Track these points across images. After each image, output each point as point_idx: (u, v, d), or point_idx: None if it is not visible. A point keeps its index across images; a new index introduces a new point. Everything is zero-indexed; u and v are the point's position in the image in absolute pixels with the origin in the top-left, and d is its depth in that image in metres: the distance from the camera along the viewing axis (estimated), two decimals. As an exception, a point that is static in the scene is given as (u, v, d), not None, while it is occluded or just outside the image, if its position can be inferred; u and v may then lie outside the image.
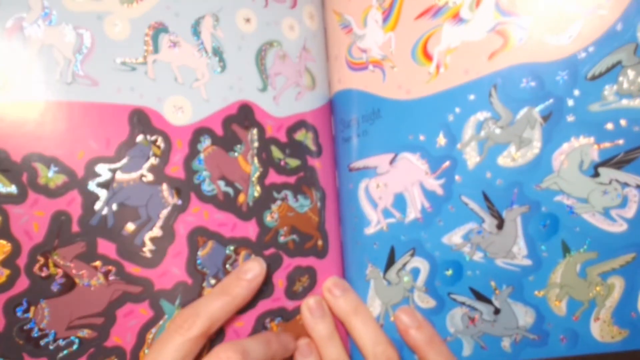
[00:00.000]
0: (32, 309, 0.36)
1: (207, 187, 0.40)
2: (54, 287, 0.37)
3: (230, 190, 0.41)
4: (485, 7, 0.39)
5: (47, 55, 0.36)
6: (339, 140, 0.47)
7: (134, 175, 0.38)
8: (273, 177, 0.43)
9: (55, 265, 0.37)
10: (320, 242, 0.45)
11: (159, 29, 0.40)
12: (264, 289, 0.42)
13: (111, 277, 0.38)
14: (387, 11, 0.43)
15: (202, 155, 0.40)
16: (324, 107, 0.47)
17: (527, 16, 0.38)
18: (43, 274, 0.36)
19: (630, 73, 0.36)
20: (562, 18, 0.37)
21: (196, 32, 0.41)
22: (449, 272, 0.41)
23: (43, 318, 0.37)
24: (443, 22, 0.40)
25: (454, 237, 0.41)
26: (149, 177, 0.39)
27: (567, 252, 0.39)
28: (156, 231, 0.39)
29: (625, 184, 0.37)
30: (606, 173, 0.37)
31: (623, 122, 0.36)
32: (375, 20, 0.44)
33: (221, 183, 0.41)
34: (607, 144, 0.37)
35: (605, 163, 0.37)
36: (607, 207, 0.37)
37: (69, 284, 0.37)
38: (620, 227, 0.37)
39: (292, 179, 0.44)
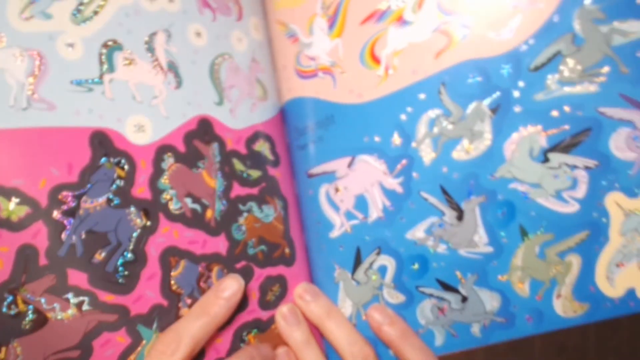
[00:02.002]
0: (4, 349, 0.34)
1: (174, 206, 0.39)
2: (25, 325, 0.34)
3: (197, 206, 0.40)
4: (427, 8, 0.39)
5: (-1, 81, 0.34)
6: (294, 148, 0.46)
7: (100, 200, 0.36)
8: (237, 190, 0.42)
9: (25, 302, 0.34)
10: (287, 250, 0.44)
11: (114, 47, 0.38)
12: (240, 303, 0.41)
13: (85, 308, 0.36)
14: (332, 18, 0.42)
15: (167, 174, 0.39)
16: (277, 117, 0.47)
17: (468, 14, 0.38)
18: (12, 313, 0.34)
19: (570, 61, 0.37)
20: (501, 13, 0.37)
21: (150, 49, 0.39)
22: (416, 267, 0.41)
23: (16, 358, 0.34)
24: (388, 26, 0.40)
25: (417, 232, 0.41)
26: (116, 200, 0.37)
27: (525, 235, 0.39)
28: (128, 256, 0.37)
29: (573, 166, 0.38)
30: (555, 158, 0.38)
31: (567, 109, 0.37)
32: (320, 28, 0.43)
33: (188, 200, 0.39)
34: (554, 130, 0.37)
35: (553, 148, 0.38)
36: (558, 190, 0.38)
37: (41, 320, 0.35)
38: (572, 208, 0.38)
39: (255, 190, 0.43)
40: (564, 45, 0.37)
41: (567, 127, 0.37)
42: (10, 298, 0.34)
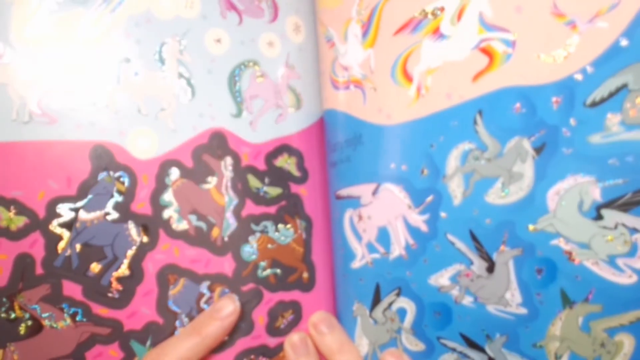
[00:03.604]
0: (1, 352, 0.35)
1: (176, 223, 0.37)
2: (21, 330, 0.35)
3: (202, 224, 0.37)
4: (467, 20, 0.32)
5: (1, 95, 0.34)
6: (329, 164, 0.42)
7: (98, 213, 0.35)
8: (250, 208, 0.39)
9: (21, 308, 0.35)
10: (305, 275, 0.40)
11: (120, 59, 0.36)
12: (242, 326, 0.38)
13: (78, 319, 0.35)
14: (366, 25, 0.37)
15: (170, 189, 0.36)
16: (312, 127, 0.42)
17: (515, 31, 0.31)
18: (9, 317, 0.35)
19: (638, 99, 0.28)
20: (555, 33, 0.29)
21: (161, 59, 0.37)
22: (437, 315, 0.36)
23: None
24: (423, 38, 0.34)
25: (441, 279, 0.35)
26: (114, 215, 0.36)
27: (567, 302, 0.32)
28: (123, 270, 0.36)
29: (634, 230, 0.29)
30: (611, 216, 0.30)
31: (630, 157, 0.29)
32: (355, 35, 0.38)
33: (192, 217, 0.37)
34: (610, 182, 0.29)
35: (609, 204, 0.30)
36: (612, 255, 0.30)
37: (36, 327, 0.35)
38: (629, 279, 0.30)
39: (272, 209, 0.39)
40: (633, 77, 0.28)
41: (627, 179, 0.29)
42: (7, 304, 0.35)
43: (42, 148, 0.34)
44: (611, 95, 0.29)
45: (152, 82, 0.36)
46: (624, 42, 0.28)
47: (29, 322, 0.35)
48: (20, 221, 0.34)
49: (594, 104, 0.29)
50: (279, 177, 0.40)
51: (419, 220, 0.35)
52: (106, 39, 0.36)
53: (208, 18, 0.38)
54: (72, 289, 0.35)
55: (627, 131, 0.29)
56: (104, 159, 0.35)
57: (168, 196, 0.36)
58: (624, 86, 0.28)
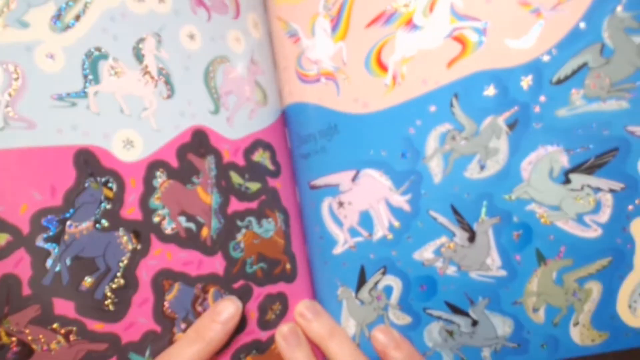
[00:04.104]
0: None
1: (167, 226, 0.36)
2: (10, 358, 0.32)
3: (192, 225, 0.37)
4: (440, 11, 0.35)
5: (-28, 100, 0.31)
6: (296, 157, 0.43)
7: (87, 223, 0.33)
8: (235, 205, 0.38)
9: (8, 334, 0.32)
10: (288, 266, 0.41)
11: (98, 56, 0.34)
12: (238, 324, 0.38)
13: (72, 338, 0.33)
14: (335, 19, 0.38)
15: (159, 192, 0.35)
16: (277, 122, 0.43)
17: (485, 19, 0.34)
18: None
19: (597, 75, 0.32)
20: (522, 19, 0.33)
21: (139, 56, 0.35)
22: (423, 288, 0.38)
23: None
24: (396, 30, 0.36)
25: (425, 253, 0.37)
26: (104, 223, 0.34)
27: (542, 260, 0.35)
28: (117, 281, 0.34)
29: (597, 189, 0.33)
30: (577, 179, 0.34)
31: (592, 127, 0.33)
32: (323, 29, 0.39)
33: (182, 219, 0.36)
34: (577, 150, 0.33)
35: (575, 169, 0.34)
36: (580, 213, 0.34)
37: (26, 352, 0.32)
38: (594, 233, 0.34)
39: (254, 204, 0.39)
40: (591, 56, 0.32)
41: (591, 146, 0.33)
42: None
43: (21, 156, 0.31)
44: (574, 73, 0.33)
45: (132, 80, 0.35)
46: (582, 26, 0.32)
47: (17, 348, 0.32)
48: (2, 239, 0.31)
49: (560, 82, 0.33)
50: (257, 172, 0.40)
51: (401, 200, 0.37)
52: (82, 35, 0.34)
53: (180, 14, 0.37)
54: (64, 307, 0.32)
55: (589, 104, 0.33)
56: (89, 164, 0.33)
57: (157, 199, 0.35)
58: (585, 64, 0.32)
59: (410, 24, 0.35)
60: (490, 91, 0.34)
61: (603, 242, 0.34)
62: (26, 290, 0.31)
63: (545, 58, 0.33)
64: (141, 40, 0.36)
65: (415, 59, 0.36)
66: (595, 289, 0.35)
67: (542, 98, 0.33)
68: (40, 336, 0.32)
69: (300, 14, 0.40)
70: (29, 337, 0.32)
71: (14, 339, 0.32)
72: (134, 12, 0.35)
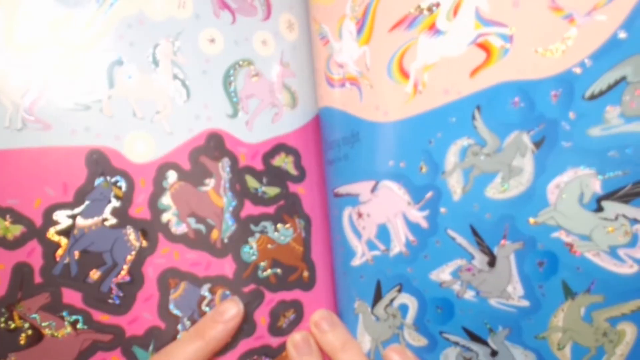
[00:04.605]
0: None
1: (175, 226, 0.36)
2: (21, 340, 0.34)
3: (201, 227, 0.36)
4: (464, 15, 0.32)
5: (-7, 102, 0.33)
6: (325, 162, 0.41)
7: (96, 219, 0.34)
8: (249, 209, 0.38)
9: (21, 318, 0.34)
10: (306, 274, 0.40)
11: (113, 62, 0.35)
12: (244, 327, 0.37)
13: (79, 327, 0.34)
14: (360, 21, 0.36)
15: (168, 193, 0.36)
16: (307, 126, 0.41)
17: (512, 25, 0.30)
18: (9, 327, 0.34)
19: (638, 91, 0.28)
20: (553, 26, 0.29)
21: (155, 61, 0.36)
22: (439, 310, 0.35)
23: None
24: (419, 34, 0.33)
25: (442, 274, 0.35)
26: (112, 220, 0.35)
27: (568, 294, 0.31)
28: (123, 276, 0.35)
29: (634, 220, 0.29)
30: (611, 207, 0.30)
31: (629, 149, 0.28)
32: (349, 32, 0.37)
33: (191, 220, 0.36)
34: (610, 174, 0.29)
35: (609, 196, 0.29)
36: (613, 246, 0.30)
37: (37, 336, 0.34)
38: (630, 269, 0.30)
39: (271, 209, 0.39)
40: (631, 69, 0.28)
41: (627, 171, 0.29)
42: (6, 314, 0.34)
43: (37, 155, 0.33)
44: (610, 88, 0.28)
45: (146, 85, 0.35)
46: (622, 35, 0.28)
47: (29, 332, 0.34)
48: (17, 230, 0.33)
49: (593, 97, 0.29)
50: (277, 176, 0.39)
51: (418, 216, 0.35)
52: (99, 42, 0.35)
53: (201, 18, 0.37)
54: (72, 297, 0.34)
55: (626, 123, 0.28)
56: (100, 164, 0.34)
57: (166, 200, 0.35)
58: (623, 79, 0.28)
59: (433, 28, 0.33)
60: (515, 104, 0.31)
61: (639, 279, 0.30)
62: (38, 278, 0.34)
63: (577, 70, 0.29)
64: (157, 45, 0.36)
65: (437, 66, 0.33)
66: (629, 331, 0.31)
67: (572, 115, 0.29)
68: (50, 322, 0.34)
69: (330, 16, 0.38)
70: (40, 322, 0.34)
71: (26, 323, 0.34)
72: (151, 19, 0.36)
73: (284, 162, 0.39)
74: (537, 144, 0.31)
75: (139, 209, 0.35)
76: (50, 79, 0.34)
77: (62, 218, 0.34)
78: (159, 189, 0.35)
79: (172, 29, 0.36)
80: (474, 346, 0.35)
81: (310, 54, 0.42)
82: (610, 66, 0.28)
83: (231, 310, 0.36)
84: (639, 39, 0.28)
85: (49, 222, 0.34)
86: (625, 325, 0.31)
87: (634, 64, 0.28)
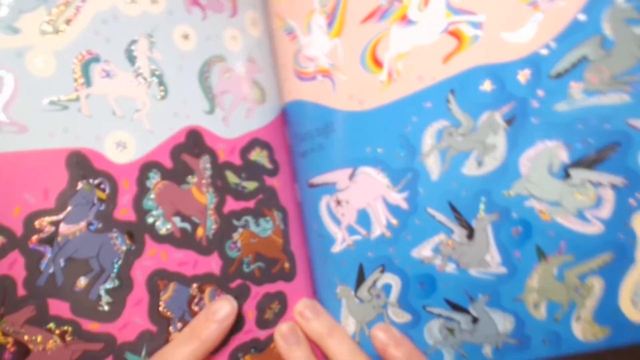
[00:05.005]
0: None
1: (161, 226, 0.35)
2: (7, 358, 0.32)
3: (187, 225, 0.36)
4: (434, 5, 0.34)
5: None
6: (296, 155, 0.42)
7: (80, 225, 0.33)
8: (231, 204, 0.38)
9: (5, 334, 0.31)
10: (287, 265, 0.40)
11: (89, 59, 0.34)
12: (235, 324, 0.37)
13: (68, 338, 0.33)
14: (330, 15, 0.37)
15: (153, 193, 0.35)
16: (276, 120, 0.42)
17: (481, 13, 0.32)
18: None
19: (597, 68, 0.31)
20: (518, 12, 0.32)
21: (131, 57, 0.35)
22: (422, 286, 0.37)
23: None
24: (391, 25, 0.35)
25: (424, 251, 0.36)
26: (97, 224, 0.33)
27: (542, 256, 0.34)
28: (112, 282, 0.34)
29: (598, 184, 0.32)
30: (578, 174, 0.33)
31: (592, 121, 0.31)
32: (319, 26, 0.38)
33: (176, 219, 0.36)
34: (576, 145, 0.32)
35: (575, 164, 0.32)
36: (580, 209, 0.33)
37: (23, 352, 0.32)
38: (595, 228, 0.33)
39: (251, 203, 0.39)
40: (591, 49, 0.31)
41: (591, 140, 0.32)
42: None
43: (13, 160, 0.31)
44: (573, 66, 0.31)
45: (124, 82, 0.34)
46: (582, 18, 0.31)
47: (13, 349, 0.32)
48: None
49: (558, 76, 0.32)
50: (254, 171, 0.39)
51: (398, 198, 0.36)
52: (73, 38, 0.33)
53: (174, 13, 0.36)
54: (59, 307, 0.32)
55: (589, 98, 0.31)
56: (82, 166, 0.33)
57: (151, 200, 0.35)
58: (584, 57, 0.31)
59: (405, 19, 0.34)
60: (486, 86, 0.33)
61: (604, 237, 0.33)
62: (21, 291, 0.32)
63: (544, 52, 0.32)
64: (133, 42, 0.35)
65: (410, 54, 0.35)
66: (597, 284, 0.34)
67: (541, 92, 0.32)
68: (37, 336, 0.32)
69: (296, 11, 0.39)
70: (25, 337, 0.32)
71: (10, 339, 0.32)
72: (126, 14, 0.35)
73: (259, 156, 0.40)
74: (509, 121, 0.33)
75: (124, 211, 0.34)
76: (24, 78, 0.32)
77: (44, 225, 0.32)
78: (143, 189, 0.34)
79: (146, 24, 0.35)
80: (456, 316, 0.37)
81: (273, 51, 0.42)
82: (572, 47, 0.31)
83: (225, 308, 0.36)
84: (597, 21, 0.31)
85: (31, 230, 0.32)
86: (593, 279, 0.34)
87: (593, 44, 0.31)
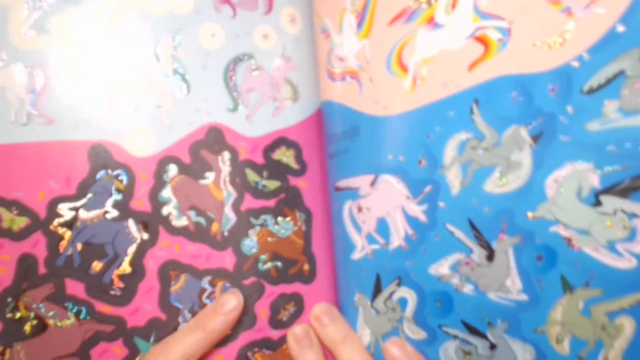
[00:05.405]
0: (8, 351, 0.35)
1: (176, 219, 0.36)
2: (27, 330, 0.35)
3: (202, 220, 0.37)
4: (462, 8, 0.32)
5: (0, 98, 0.34)
6: (327, 156, 0.41)
7: (98, 212, 0.35)
8: (250, 202, 0.38)
9: (26, 308, 0.35)
10: (306, 267, 0.40)
11: (115, 57, 0.36)
12: (244, 320, 0.38)
13: (82, 317, 0.35)
14: (360, 15, 0.36)
15: (169, 186, 0.36)
16: (309, 120, 0.41)
17: (510, 19, 0.30)
18: (15, 317, 0.35)
19: (636, 84, 0.28)
20: (550, 19, 0.29)
21: (155, 56, 0.36)
22: (439, 304, 0.35)
23: None
24: (417, 28, 0.33)
25: (441, 268, 0.35)
26: (114, 213, 0.35)
27: (567, 288, 0.31)
28: (124, 268, 0.36)
29: (632, 215, 0.29)
30: (610, 202, 0.29)
31: (628, 144, 0.28)
32: (349, 26, 0.37)
33: (192, 213, 0.37)
34: (609, 169, 0.29)
35: (607, 191, 0.29)
36: (612, 240, 0.30)
37: (41, 326, 0.35)
38: (628, 263, 0.30)
39: (271, 202, 0.39)
40: (630, 63, 0.28)
41: (626, 165, 0.29)
42: (12, 303, 0.34)
43: (41, 149, 0.34)
44: (608, 81, 0.28)
45: (147, 80, 0.36)
46: (620, 28, 0.28)
47: (34, 322, 0.35)
48: (22, 222, 0.34)
49: (591, 91, 0.29)
50: (277, 170, 0.39)
51: (417, 210, 0.35)
52: (101, 38, 0.35)
53: (202, 12, 0.37)
54: (75, 288, 0.35)
55: (624, 117, 0.28)
56: (102, 158, 0.35)
57: (167, 193, 0.36)
58: (621, 72, 0.28)
59: (431, 22, 0.33)
60: (513, 98, 0.31)
61: (638, 273, 0.30)
62: (42, 269, 0.34)
63: (576, 64, 0.29)
64: (158, 41, 0.36)
65: (435, 60, 0.33)
66: (627, 324, 0.31)
67: (570, 109, 0.29)
68: (54, 312, 0.35)
69: (330, 9, 0.39)
70: (44, 312, 0.35)
71: (32, 313, 0.34)
72: (151, 15, 0.36)
73: (284, 155, 0.40)
74: (535, 138, 0.31)
75: (140, 202, 0.36)
76: (54, 74, 0.34)
77: (65, 210, 0.35)
78: (159, 182, 0.36)
79: (172, 23, 0.36)
80: (473, 339, 0.35)
81: (313, 48, 0.42)
82: (608, 60, 0.28)
83: (231, 302, 0.36)
84: (637, 32, 0.27)
85: (53, 214, 0.34)
86: (623, 319, 0.31)
87: (632, 58, 0.28)
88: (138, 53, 0.36)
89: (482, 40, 0.31)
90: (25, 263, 0.34)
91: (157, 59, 0.36)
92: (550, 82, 0.30)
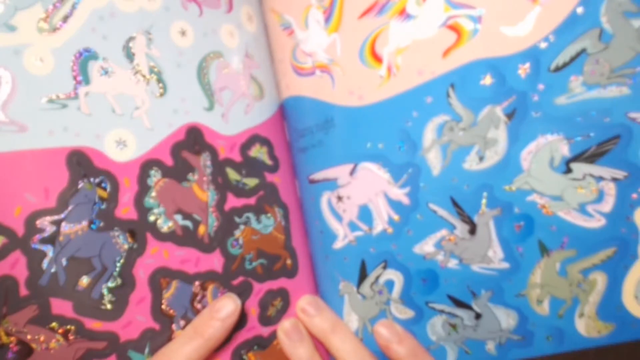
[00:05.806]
0: None
1: (163, 224, 0.36)
2: (9, 357, 0.33)
3: (188, 223, 0.37)
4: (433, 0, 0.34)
5: (-36, 105, 0.31)
6: (295, 151, 0.42)
7: (82, 224, 0.33)
8: (232, 201, 0.38)
9: (7, 334, 0.32)
10: (289, 261, 0.41)
11: (87, 56, 0.34)
12: (238, 321, 0.38)
13: (71, 337, 0.33)
14: (328, 10, 0.38)
15: (153, 191, 0.35)
16: (275, 116, 0.42)
17: (479, 7, 0.33)
18: None
19: (596, 61, 0.31)
20: (517, 6, 0.32)
21: (129, 55, 0.35)
22: (425, 282, 0.38)
23: None
24: (389, 20, 0.35)
25: (426, 246, 0.37)
26: (98, 223, 0.34)
27: (544, 251, 0.35)
28: (114, 280, 0.34)
29: (599, 178, 0.33)
30: (579, 168, 0.33)
31: (592, 114, 0.32)
32: (316, 21, 0.38)
33: (178, 217, 0.36)
34: (577, 138, 0.33)
35: (576, 158, 0.33)
36: (582, 203, 0.33)
37: (26, 351, 0.33)
38: (598, 222, 0.34)
39: (252, 200, 0.39)
40: (590, 42, 0.31)
41: (592, 134, 0.32)
42: None
43: (13, 159, 0.32)
44: (572, 59, 0.32)
45: (123, 80, 0.35)
46: (580, 11, 0.31)
47: (16, 348, 0.33)
48: None
49: (558, 69, 0.32)
50: (255, 167, 0.40)
51: (400, 194, 0.37)
52: (71, 36, 0.34)
53: (170, 10, 0.37)
54: (61, 307, 0.33)
55: (588, 91, 0.32)
56: (82, 165, 0.33)
57: (152, 198, 0.35)
58: (583, 50, 0.32)
59: (403, 13, 0.35)
60: (487, 80, 0.34)
61: (607, 231, 0.34)
62: (23, 291, 0.32)
63: (543, 45, 0.32)
64: (131, 38, 0.35)
65: (409, 49, 0.35)
66: (600, 279, 0.35)
67: (541, 86, 0.33)
68: (39, 336, 0.33)
69: (293, 6, 0.40)
70: (28, 337, 0.33)
71: (13, 338, 0.32)
72: (123, 11, 0.35)
73: (259, 152, 0.40)
74: (509, 115, 0.33)
75: (125, 210, 0.35)
76: (22, 77, 0.32)
77: (45, 225, 0.33)
78: (144, 187, 0.35)
79: (144, 21, 0.36)
80: (459, 312, 0.38)
81: (269, 46, 0.43)
82: (571, 40, 0.32)
83: (228, 306, 0.36)
84: (595, 14, 0.31)
85: (32, 230, 0.32)
86: (596, 274, 0.34)
87: (591, 37, 0.31)
88: (111, 51, 0.35)
89: (454, 28, 0.34)
90: (4, 286, 0.32)
91: (131, 57, 0.35)
92: (521, 63, 0.33)
